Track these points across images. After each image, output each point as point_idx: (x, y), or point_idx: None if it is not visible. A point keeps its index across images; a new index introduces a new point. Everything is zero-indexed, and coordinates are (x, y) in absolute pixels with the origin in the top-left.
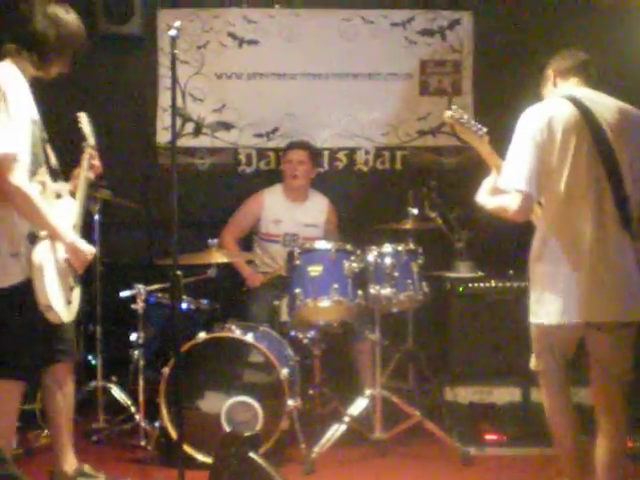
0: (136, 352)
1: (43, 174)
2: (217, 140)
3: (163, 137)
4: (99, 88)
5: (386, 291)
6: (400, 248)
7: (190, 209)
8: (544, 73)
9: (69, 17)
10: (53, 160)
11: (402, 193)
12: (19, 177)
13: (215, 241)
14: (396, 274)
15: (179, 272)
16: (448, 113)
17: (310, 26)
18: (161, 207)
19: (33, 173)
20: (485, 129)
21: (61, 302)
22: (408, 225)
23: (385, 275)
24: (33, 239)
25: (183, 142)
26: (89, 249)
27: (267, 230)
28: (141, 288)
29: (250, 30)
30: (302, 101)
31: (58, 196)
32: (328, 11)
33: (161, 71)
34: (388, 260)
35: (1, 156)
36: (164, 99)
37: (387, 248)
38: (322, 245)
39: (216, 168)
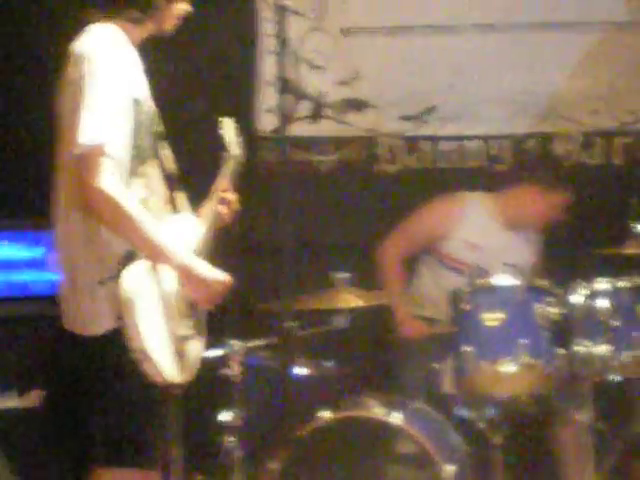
0: (230, 438)
1: (148, 174)
2: (345, 126)
3: (266, 123)
4: (173, 53)
5: (601, 349)
6: (621, 284)
7: (307, 228)
8: None
9: None
10: (170, 163)
11: (623, 200)
12: (106, 177)
13: (345, 275)
14: (616, 323)
15: (292, 322)
16: None
17: None
18: (264, 225)
19: (133, 172)
20: None
21: (165, 351)
22: (632, 249)
23: (599, 325)
24: (129, 261)
25: (296, 130)
26: (216, 276)
27: (457, 253)
28: (237, 345)
29: None
30: (468, 66)
31: (174, 210)
32: None
33: (263, 27)
34: (603, 302)
35: (83, 151)
36: (267, 68)
37: (601, 284)
38: (503, 281)
39: (344, 167)
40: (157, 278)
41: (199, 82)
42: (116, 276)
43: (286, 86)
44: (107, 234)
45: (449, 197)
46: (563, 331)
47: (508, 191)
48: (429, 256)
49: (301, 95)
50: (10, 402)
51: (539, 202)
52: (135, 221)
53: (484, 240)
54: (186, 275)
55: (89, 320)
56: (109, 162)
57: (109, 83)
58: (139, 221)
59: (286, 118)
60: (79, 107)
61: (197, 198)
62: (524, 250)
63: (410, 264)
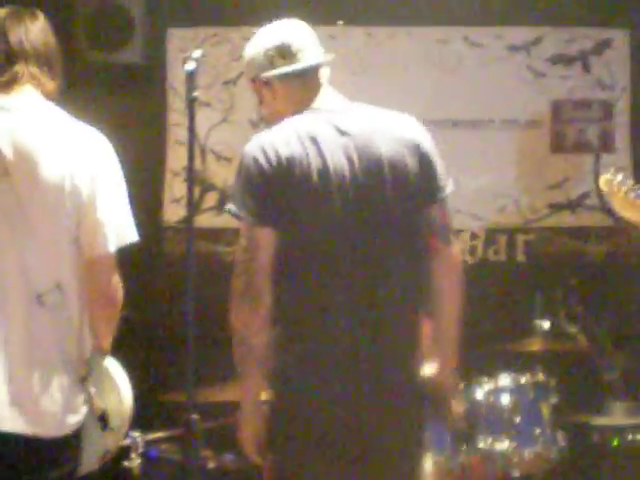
0: None
1: None
2: None
3: (173, 214)
4: None
5: (503, 445)
6: (523, 381)
7: (212, 320)
8: None
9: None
10: None
11: (526, 297)
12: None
13: None
14: (518, 420)
15: (194, 414)
16: (605, 177)
17: (388, 51)
18: (169, 316)
19: None
20: None
21: None
22: (535, 346)
23: (501, 421)
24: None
25: (202, 221)
26: None
27: None
28: (137, 437)
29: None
30: None
31: None
32: (415, 30)
33: (171, 118)
34: (506, 399)
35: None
36: (175, 158)
37: (504, 380)
38: None
39: None
40: None
41: None
42: (93, 371)
43: (193, 177)
44: (84, 329)
45: None
46: (466, 427)
47: None
48: None
49: (208, 186)
50: None
51: None
52: None
53: None
54: None
55: (61, 419)
56: None
57: None
58: None
59: (193, 209)
60: None
61: None
62: None
63: None
